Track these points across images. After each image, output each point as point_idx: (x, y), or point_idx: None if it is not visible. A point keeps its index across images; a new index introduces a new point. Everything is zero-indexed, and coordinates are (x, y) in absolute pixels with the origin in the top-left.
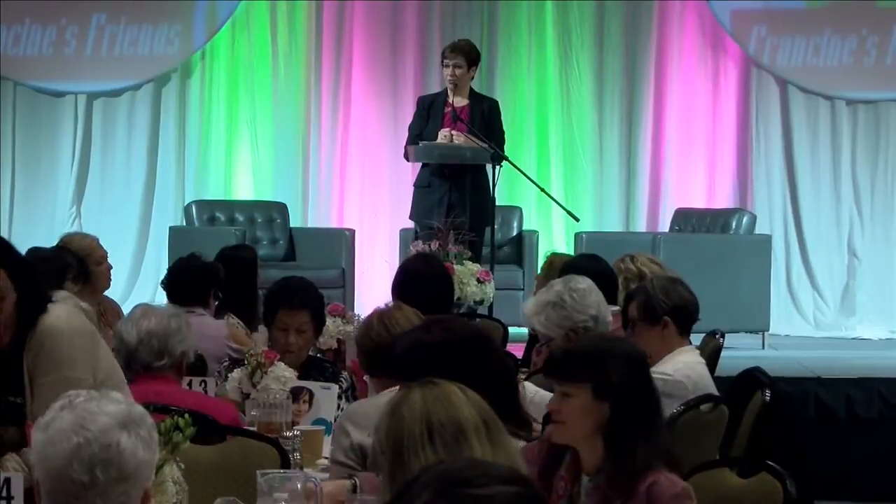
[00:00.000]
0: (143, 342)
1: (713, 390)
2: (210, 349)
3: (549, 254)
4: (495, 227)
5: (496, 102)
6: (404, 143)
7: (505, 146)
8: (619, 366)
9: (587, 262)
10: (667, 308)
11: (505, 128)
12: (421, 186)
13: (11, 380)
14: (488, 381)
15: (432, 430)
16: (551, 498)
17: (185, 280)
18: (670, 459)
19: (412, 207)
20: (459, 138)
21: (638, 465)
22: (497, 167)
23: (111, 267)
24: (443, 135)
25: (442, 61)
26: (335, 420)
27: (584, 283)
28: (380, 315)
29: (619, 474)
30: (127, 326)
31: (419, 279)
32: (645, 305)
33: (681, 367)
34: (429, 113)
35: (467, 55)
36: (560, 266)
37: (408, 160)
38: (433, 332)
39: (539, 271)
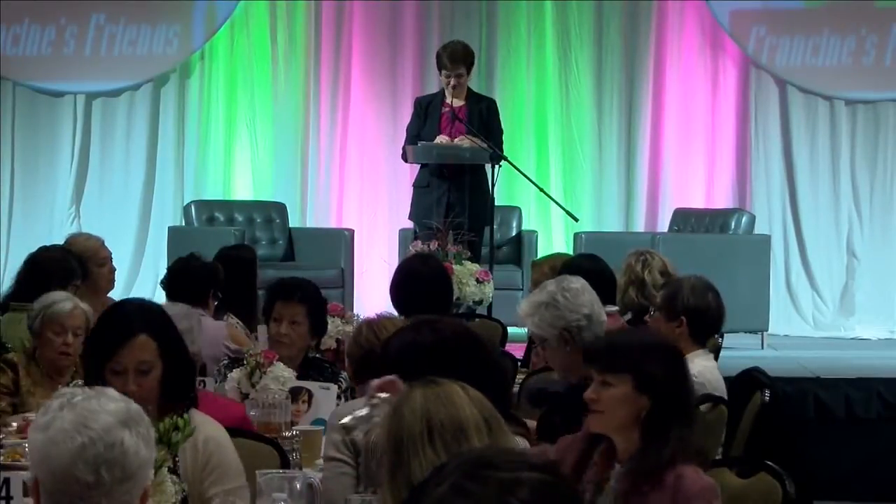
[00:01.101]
0: None
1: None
2: (208, 350)
3: (534, 261)
4: (494, 227)
5: (494, 102)
6: (402, 145)
7: (503, 146)
8: (661, 360)
9: (586, 261)
10: (687, 308)
11: (504, 128)
12: (420, 186)
13: None
14: (479, 381)
15: (432, 430)
16: (581, 483)
17: (185, 280)
18: (700, 454)
19: (411, 207)
20: (465, 142)
21: (667, 456)
22: (496, 167)
23: (114, 269)
24: (440, 140)
25: (440, 68)
26: None
27: (576, 282)
28: (368, 323)
29: (650, 462)
30: None
31: (417, 279)
32: (669, 298)
33: (700, 369)
34: (426, 113)
35: (466, 61)
36: (560, 267)
37: (406, 161)
38: (423, 332)
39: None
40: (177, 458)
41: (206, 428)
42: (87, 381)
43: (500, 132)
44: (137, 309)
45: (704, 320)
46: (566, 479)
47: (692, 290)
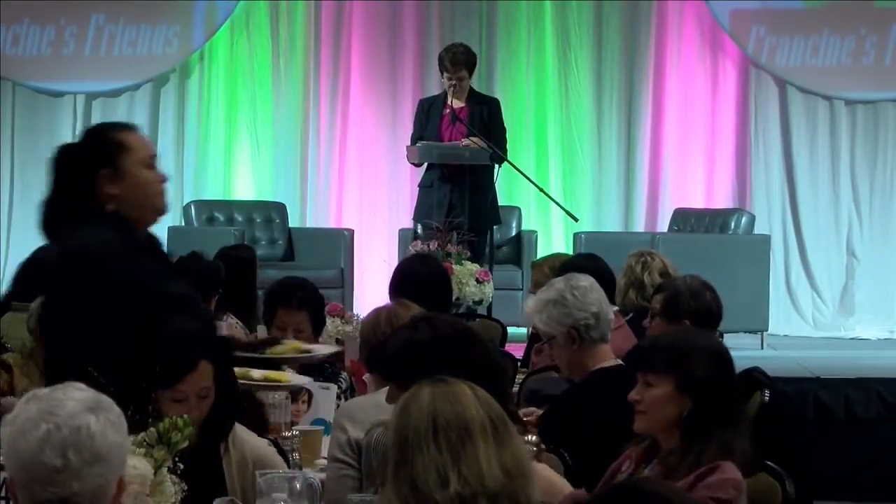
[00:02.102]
0: None
1: None
2: None
3: (533, 262)
4: (494, 227)
5: (497, 102)
6: (405, 145)
7: (507, 144)
8: (703, 361)
9: (585, 261)
10: (689, 310)
11: (506, 127)
12: (424, 186)
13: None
14: (476, 378)
15: (437, 428)
16: (615, 475)
17: (187, 279)
18: (744, 456)
19: (415, 208)
20: (470, 144)
21: (707, 458)
22: (497, 167)
23: None
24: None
25: (441, 70)
26: None
27: (585, 280)
28: (387, 313)
29: (688, 462)
30: None
31: (416, 279)
32: (669, 301)
33: None
34: (427, 115)
35: (468, 64)
36: (559, 267)
37: (409, 161)
38: (420, 330)
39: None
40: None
41: (253, 447)
42: (133, 404)
43: (504, 131)
44: (197, 332)
45: (706, 321)
46: None
47: (691, 292)
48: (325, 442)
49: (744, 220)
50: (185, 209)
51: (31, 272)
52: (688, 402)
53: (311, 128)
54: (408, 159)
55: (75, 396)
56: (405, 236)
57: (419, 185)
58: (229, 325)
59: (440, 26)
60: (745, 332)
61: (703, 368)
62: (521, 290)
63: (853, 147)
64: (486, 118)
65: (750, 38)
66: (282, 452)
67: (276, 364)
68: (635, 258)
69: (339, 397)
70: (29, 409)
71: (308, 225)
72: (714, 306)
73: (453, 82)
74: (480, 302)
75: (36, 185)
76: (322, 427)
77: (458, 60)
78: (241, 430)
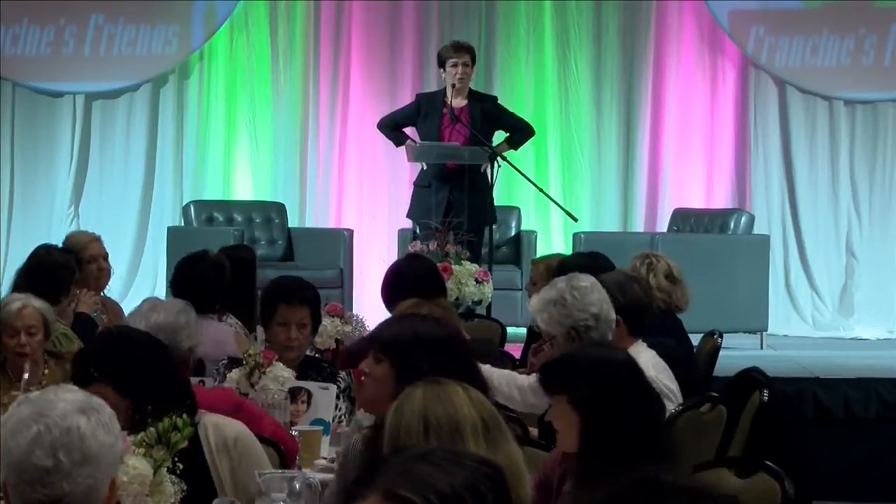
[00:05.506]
0: None
1: (674, 386)
2: (212, 351)
3: (533, 259)
4: (493, 226)
5: (495, 98)
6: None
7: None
8: (591, 375)
9: (586, 259)
10: (619, 306)
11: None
12: (421, 186)
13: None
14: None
15: (428, 427)
16: (561, 496)
17: (194, 283)
18: (668, 454)
19: (411, 205)
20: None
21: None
22: (497, 167)
23: (105, 269)
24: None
25: (443, 62)
26: (333, 420)
27: (586, 281)
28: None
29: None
30: (135, 320)
31: (404, 280)
32: None
33: (644, 362)
34: (426, 112)
35: (471, 52)
36: (557, 265)
37: (379, 128)
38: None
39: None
40: (206, 467)
41: (230, 428)
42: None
43: (520, 118)
44: (98, 351)
45: (640, 312)
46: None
47: (619, 288)
48: (325, 442)
49: (743, 220)
50: (185, 209)
51: (31, 276)
52: (576, 417)
53: (311, 128)
54: (380, 127)
55: (66, 398)
56: (405, 236)
57: (414, 184)
58: (238, 336)
59: (440, 26)
60: (745, 332)
61: (590, 381)
62: (521, 290)
63: (852, 147)
64: (488, 116)
65: (749, 38)
66: (281, 453)
67: None
68: (640, 259)
69: (338, 397)
70: (21, 411)
71: (307, 225)
72: (643, 296)
73: (458, 69)
74: (480, 302)
75: (35, 185)
76: (321, 427)
77: (462, 46)
78: (211, 416)
